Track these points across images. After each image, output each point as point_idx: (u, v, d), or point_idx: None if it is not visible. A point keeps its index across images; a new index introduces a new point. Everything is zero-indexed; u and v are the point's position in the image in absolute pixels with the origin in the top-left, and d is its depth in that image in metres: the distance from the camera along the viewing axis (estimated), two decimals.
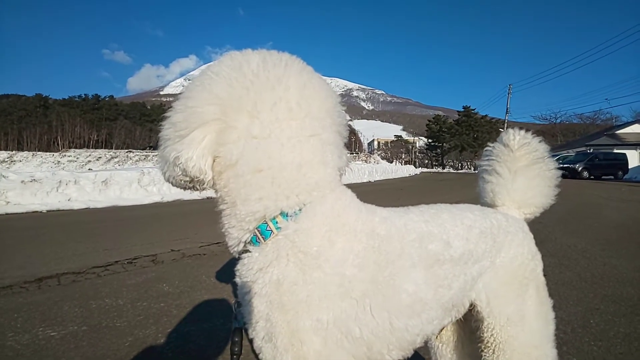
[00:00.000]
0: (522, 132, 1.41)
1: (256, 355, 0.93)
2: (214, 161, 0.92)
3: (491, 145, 1.47)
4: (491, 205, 1.40)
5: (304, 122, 0.94)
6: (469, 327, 1.30)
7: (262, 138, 0.89)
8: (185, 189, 0.99)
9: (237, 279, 0.98)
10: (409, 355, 1.08)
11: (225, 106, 0.89)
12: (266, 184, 0.90)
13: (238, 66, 0.93)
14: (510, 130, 1.42)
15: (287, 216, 0.91)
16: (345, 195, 1.02)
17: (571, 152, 38.44)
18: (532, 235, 1.28)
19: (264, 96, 0.91)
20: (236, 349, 1.07)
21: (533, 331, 1.16)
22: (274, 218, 0.91)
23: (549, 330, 1.20)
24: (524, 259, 1.20)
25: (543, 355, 1.16)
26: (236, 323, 1.07)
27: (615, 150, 35.32)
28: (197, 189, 0.99)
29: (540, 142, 1.40)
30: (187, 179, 0.92)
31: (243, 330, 1.05)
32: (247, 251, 0.94)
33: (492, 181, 1.41)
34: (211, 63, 0.99)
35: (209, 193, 1.04)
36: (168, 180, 0.96)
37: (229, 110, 0.89)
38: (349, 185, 1.10)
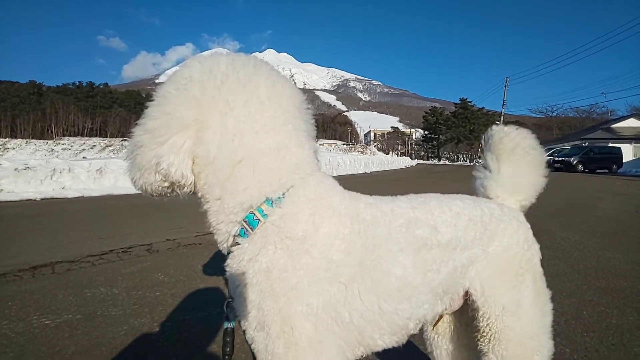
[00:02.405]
0: (499, 126, 1.43)
1: (249, 345, 0.95)
2: (192, 163, 0.94)
3: (481, 144, 1.49)
4: (487, 198, 1.41)
5: (276, 112, 0.98)
6: (465, 318, 1.31)
7: (237, 132, 0.92)
8: (159, 195, 0.99)
9: (228, 274, 0.99)
10: (404, 342, 1.09)
11: (201, 107, 0.92)
12: (249, 173, 0.93)
13: (208, 69, 0.96)
14: (493, 127, 1.44)
15: (271, 203, 0.94)
16: (327, 180, 1.05)
17: (566, 146, 38.59)
18: (528, 225, 1.27)
19: (235, 94, 0.94)
20: (228, 350, 1.08)
21: (529, 321, 1.16)
22: (260, 206, 0.94)
23: (545, 321, 1.20)
24: (519, 248, 1.19)
25: (539, 346, 1.17)
26: (227, 323, 1.08)
27: (610, 144, 35.49)
28: (172, 195, 1.00)
29: (518, 130, 1.40)
30: (166, 184, 0.94)
31: (234, 330, 1.07)
32: (237, 244, 0.96)
33: (481, 176, 1.42)
34: (178, 68, 1.02)
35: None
36: (141, 188, 0.97)
37: (204, 111, 0.92)
38: (345, 177, 1.11)
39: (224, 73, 0.96)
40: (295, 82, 1.19)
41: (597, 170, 29.05)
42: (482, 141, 1.47)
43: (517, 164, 1.36)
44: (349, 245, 0.95)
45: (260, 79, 0.99)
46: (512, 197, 1.36)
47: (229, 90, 0.94)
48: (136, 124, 0.95)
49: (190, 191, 1.00)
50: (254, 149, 0.93)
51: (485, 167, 1.41)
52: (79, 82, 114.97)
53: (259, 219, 0.93)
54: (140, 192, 0.99)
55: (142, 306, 2.85)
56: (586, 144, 37.29)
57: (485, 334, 1.18)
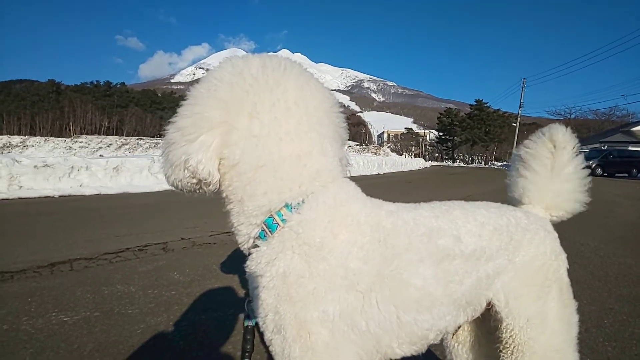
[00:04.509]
0: (568, 129, 1.34)
1: (267, 348, 0.95)
2: (219, 163, 0.95)
3: (533, 138, 1.38)
4: (518, 201, 1.37)
5: (302, 119, 0.97)
6: (486, 327, 1.28)
7: (261, 136, 0.92)
8: (189, 191, 1.01)
9: (247, 275, 1.00)
10: (423, 351, 1.07)
11: (229, 109, 0.93)
12: (269, 178, 0.93)
13: (239, 71, 0.97)
14: (556, 125, 1.34)
15: (291, 208, 0.94)
16: (349, 187, 1.04)
17: (585, 149, 37.88)
18: (556, 235, 1.23)
19: (262, 97, 0.94)
20: (248, 347, 1.10)
21: (555, 334, 1.13)
22: (279, 211, 0.94)
23: (571, 333, 1.17)
24: (546, 259, 1.16)
25: (564, 359, 1.14)
26: (248, 321, 1.10)
27: (630, 148, 34.70)
28: (201, 192, 1.02)
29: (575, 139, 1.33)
30: (195, 181, 0.95)
31: (255, 328, 1.09)
32: (256, 246, 0.97)
33: (526, 177, 1.35)
34: (213, 69, 1.03)
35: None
36: (173, 184, 1.00)
37: (232, 113, 0.93)
38: (358, 178, 1.10)
39: (254, 76, 0.96)
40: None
41: (617, 174, 28.45)
42: (537, 139, 1.36)
43: (568, 181, 1.30)
44: (367, 254, 0.94)
45: (289, 83, 0.98)
46: (547, 210, 1.31)
47: (256, 94, 0.94)
48: (169, 122, 0.97)
49: (216, 189, 1.01)
50: (276, 155, 0.93)
51: (534, 169, 1.33)
52: (96, 81, 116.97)
53: (278, 223, 0.93)
54: (172, 187, 1.02)
55: (158, 305, 2.87)
56: (605, 147, 36.54)
57: (508, 346, 1.15)
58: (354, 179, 1.10)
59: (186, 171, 0.93)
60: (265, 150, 0.92)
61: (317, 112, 1.00)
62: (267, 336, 0.93)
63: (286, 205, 0.94)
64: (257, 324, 1.01)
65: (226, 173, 0.96)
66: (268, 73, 0.97)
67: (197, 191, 1.01)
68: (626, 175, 29.01)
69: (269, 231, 0.94)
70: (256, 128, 0.93)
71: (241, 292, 3.14)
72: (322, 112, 1.02)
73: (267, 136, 0.93)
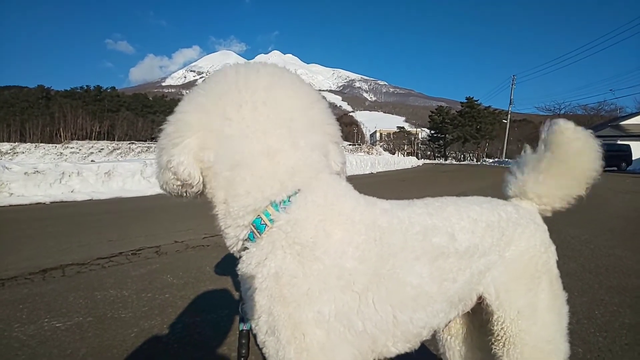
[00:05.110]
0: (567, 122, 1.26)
1: (260, 349, 0.94)
2: (201, 167, 0.99)
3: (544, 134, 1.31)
4: (510, 195, 1.35)
5: (269, 117, 0.97)
6: (479, 319, 1.29)
7: (233, 136, 0.94)
8: (176, 195, 1.05)
9: (239, 277, 1.00)
10: (417, 347, 1.08)
11: (206, 112, 0.97)
12: (247, 176, 0.93)
13: (219, 78, 1.02)
14: (562, 121, 1.26)
15: (278, 207, 0.93)
16: (339, 185, 1.03)
17: None
18: (545, 227, 1.25)
19: (232, 98, 0.97)
20: (243, 351, 1.09)
21: (545, 325, 1.15)
22: (266, 210, 0.93)
23: (561, 324, 1.19)
24: (535, 251, 1.17)
25: (555, 349, 1.15)
26: (243, 325, 1.09)
27: (619, 142, 35.10)
28: (187, 195, 1.04)
29: (586, 133, 1.26)
30: (178, 183, 0.99)
31: (250, 332, 1.07)
32: (246, 249, 0.96)
33: (515, 171, 1.34)
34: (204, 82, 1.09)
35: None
36: (162, 187, 1.05)
37: (208, 116, 0.97)
38: (352, 177, 1.10)
39: (228, 81, 1.00)
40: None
41: (606, 168, 28.57)
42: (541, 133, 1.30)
43: (554, 173, 1.26)
44: (363, 254, 0.93)
45: (261, 84, 1.00)
46: (531, 200, 1.30)
47: (227, 96, 0.98)
48: (160, 129, 1.02)
49: (199, 192, 1.04)
50: (247, 153, 0.94)
51: (525, 164, 1.32)
52: (86, 86, 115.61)
53: (266, 224, 0.93)
54: (163, 192, 1.07)
55: (151, 308, 2.86)
56: None
57: (499, 338, 1.17)
58: (347, 178, 1.10)
59: (169, 173, 0.97)
60: (237, 149, 0.94)
61: (289, 108, 1.00)
62: (261, 338, 0.92)
63: (273, 205, 0.93)
64: (252, 327, 1.01)
65: (206, 176, 0.99)
66: (240, 77, 1.00)
67: (183, 194, 1.04)
68: (615, 169, 29.33)
69: (257, 232, 0.93)
70: (227, 129, 0.95)
71: (235, 294, 3.13)
72: (296, 109, 1.02)
73: (239, 136, 0.94)
